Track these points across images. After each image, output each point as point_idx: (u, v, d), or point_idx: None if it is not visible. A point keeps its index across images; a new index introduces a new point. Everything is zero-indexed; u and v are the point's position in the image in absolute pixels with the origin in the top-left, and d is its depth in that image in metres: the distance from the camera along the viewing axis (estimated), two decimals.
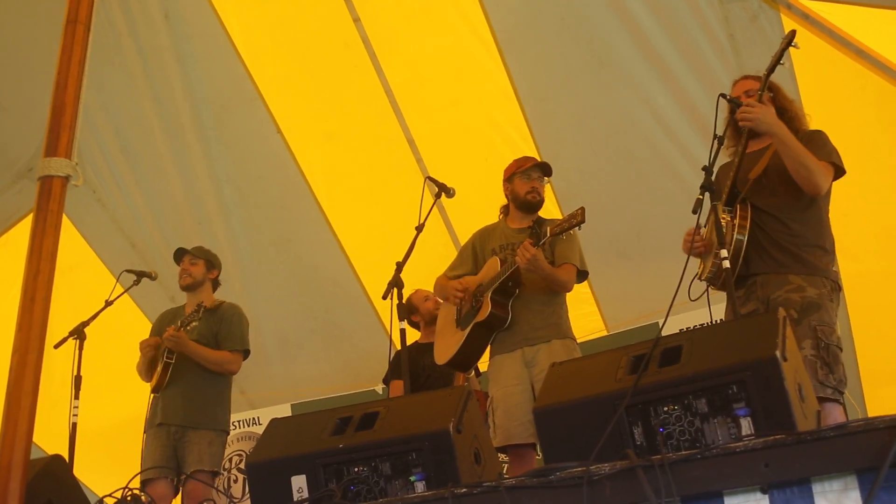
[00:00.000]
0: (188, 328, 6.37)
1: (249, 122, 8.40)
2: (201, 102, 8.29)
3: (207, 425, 6.41)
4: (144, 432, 6.50)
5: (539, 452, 6.58)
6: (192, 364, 6.43)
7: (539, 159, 6.05)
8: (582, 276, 5.80)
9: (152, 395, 6.57)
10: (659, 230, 7.83)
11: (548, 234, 5.41)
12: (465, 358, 5.72)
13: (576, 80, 7.76)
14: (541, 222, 5.75)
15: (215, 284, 6.87)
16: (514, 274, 5.55)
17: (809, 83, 6.49)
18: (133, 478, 6.04)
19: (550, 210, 8.06)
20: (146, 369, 6.57)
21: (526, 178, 5.87)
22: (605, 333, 8.78)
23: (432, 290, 6.34)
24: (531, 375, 5.48)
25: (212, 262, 6.86)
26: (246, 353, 6.66)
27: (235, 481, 9.82)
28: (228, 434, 6.65)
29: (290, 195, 8.76)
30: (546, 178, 5.95)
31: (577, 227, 5.33)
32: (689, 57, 7.23)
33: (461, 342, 5.65)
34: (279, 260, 9.19)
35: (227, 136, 8.52)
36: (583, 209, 5.36)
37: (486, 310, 5.55)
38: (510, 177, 5.92)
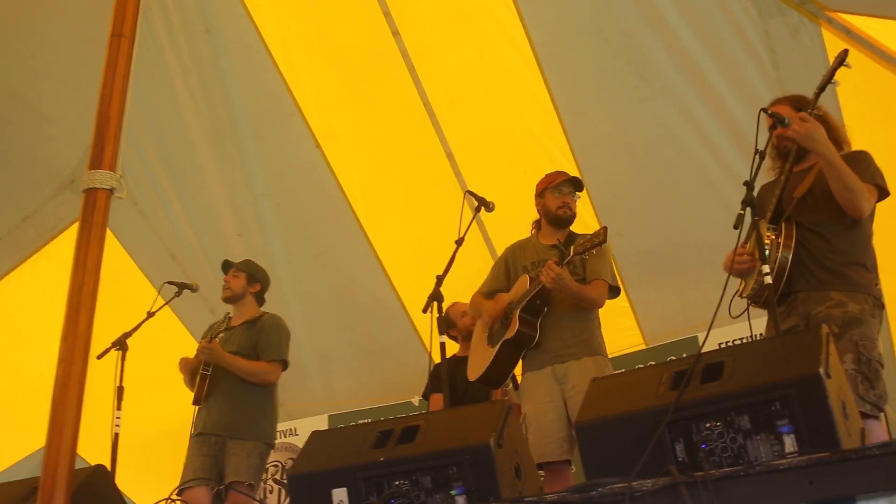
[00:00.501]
0: (217, 338, 6.42)
1: (288, 136, 8.45)
2: (241, 116, 8.35)
3: (247, 436, 6.42)
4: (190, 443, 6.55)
5: (574, 467, 6.59)
6: (229, 375, 6.46)
7: (571, 174, 6.04)
8: (614, 291, 5.78)
9: (195, 408, 6.61)
10: (697, 244, 7.80)
11: (571, 254, 5.41)
12: (496, 375, 5.72)
13: (615, 94, 7.75)
14: (573, 238, 5.73)
15: (259, 298, 6.89)
16: (542, 293, 5.55)
17: (850, 98, 6.44)
18: (175, 490, 6.13)
19: (588, 222, 8.08)
20: (190, 382, 6.61)
21: (557, 192, 5.87)
22: (643, 347, 8.74)
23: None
24: (563, 392, 5.48)
25: (254, 276, 6.89)
26: (285, 364, 6.66)
27: (271, 492, 9.85)
28: (273, 447, 6.65)
29: (329, 209, 8.80)
30: (578, 192, 5.94)
31: (600, 246, 5.34)
32: (729, 71, 7.20)
33: (491, 359, 5.67)
34: (317, 273, 9.22)
35: (266, 149, 8.57)
36: (605, 228, 5.40)
37: (514, 328, 5.56)
38: (542, 192, 5.92)
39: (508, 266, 5.98)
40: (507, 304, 5.74)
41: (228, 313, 6.78)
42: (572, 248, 5.45)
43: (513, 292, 5.80)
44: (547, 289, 5.52)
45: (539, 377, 5.58)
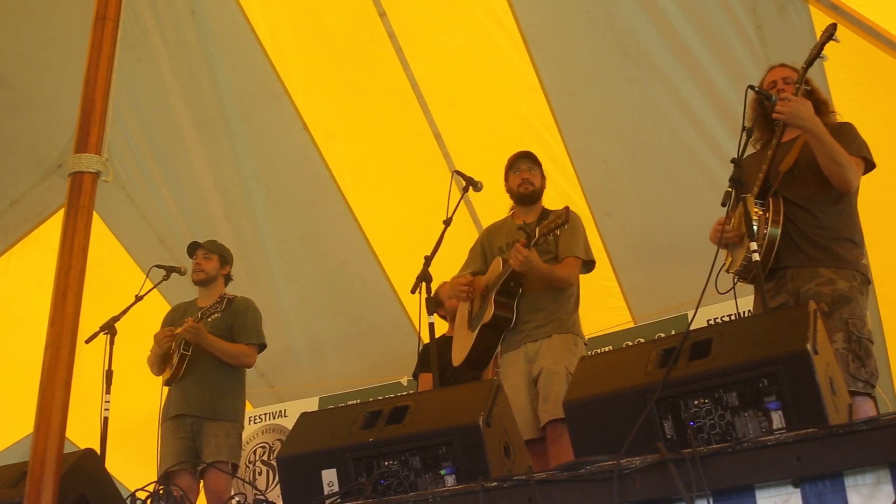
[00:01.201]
0: (209, 320, 6.41)
1: (275, 118, 8.43)
2: (228, 99, 8.32)
3: (224, 416, 6.44)
4: (160, 426, 6.52)
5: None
6: (207, 356, 6.45)
7: (526, 151, 6.05)
8: (588, 266, 5.78)
9: (166, 388, 6.60)
10: (685, 223, 7.81)
11: (537, 236, 5.42)
12: (478, 357, 5.74)
13: (602, 74, 7.73)
14: (545, 215, 5.73)
15: (227, 280, 6.87)
16: (514, 275, 5.56)
17: (838, 74, 6.44)
18: (160, 476, 6.12)
19: (577, 203, 8.09)
20: (158, 361, 6.58)
21: (516, 171, 5.91)
22: (632, 325, 8.75)
23: None
24: (533, 371, 5.51)
25: (225, 258, 6.87)
26: (261, 347, 6.68)
27: (260, 474, 9.86)
28: (244, 428, 6.66)
29: (317, 191, 8.78)
30: (535, 166, 5.94)
31: (563, 227, 5.32)
32: (717, 49, 7.19)
33: (471, 343, 5.70)
34: (306, 256, 9.22)
35: (254, 132, 8.55)
36: (567, 208, 5.40)
37: (491, 311, 5.59)
38: (505, 176, 5.96)
39: (484, 248, 6.01)
40: (483, 287, 5.75)
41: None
42: (537, 229, 5.46)
43: (488, 275, 5.82)
44: (518, 274, 5.54)
45: (514, 357, 5.62)
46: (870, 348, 4.39)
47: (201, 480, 6.38)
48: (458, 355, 5.85)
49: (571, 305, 5.75)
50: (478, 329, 5.66)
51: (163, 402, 6.59)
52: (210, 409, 6.40)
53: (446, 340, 6.84)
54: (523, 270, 5.43)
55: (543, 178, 6.00)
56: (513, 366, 5.61)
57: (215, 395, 6.45)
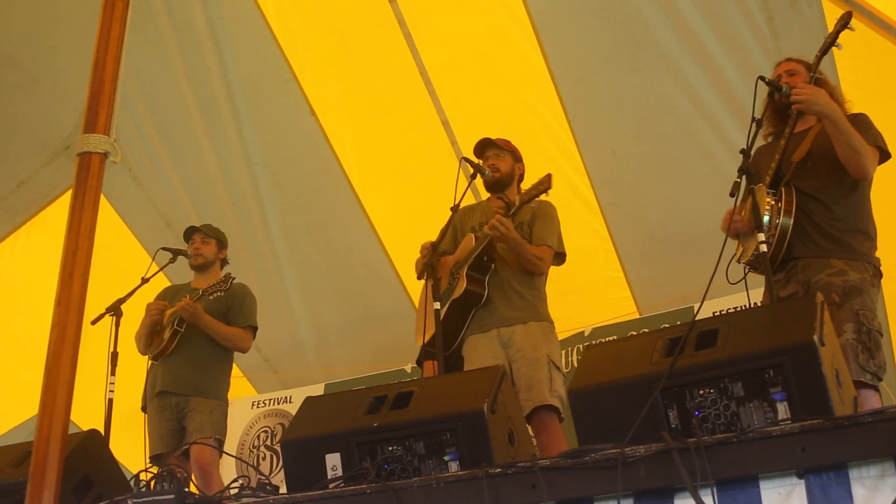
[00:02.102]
0: (210, 298, 6.43)
1: (283, 103, 8.42)
2: (236, 83, 8.32)
3: (211, 394, 6.48)
4: (145, 402, 6.54)
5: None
6: (199, 335, 6.48)
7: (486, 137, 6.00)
8: (559, 258, 5.73)
9: (151, 364, 6.61)
10: (693, 213, 7.79)
11: (517, 204, 5.40)
12: (445, 335, 5.45)
13: (611, 62, 7.71)
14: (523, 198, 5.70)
15: (223, 263, 6.90)
16: (488, 248, 5.53)
17: (849, 67, 6.43)
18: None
19: (583, 192, 8.09)
20: (146, 334, 6.59)
21: (483, 160, 5.86)
22: (637, 316, 8.74)
23: None
24: (508, 356, 5.44)
25: (222, 242, 6.91)
26: (255, 332, 6.70)
27: (264, 458, 9.88)
28: (227, 405, 6.66)
29: (324, 178, 8.78)
30: (500, 150, 5.89)
31: (545, 192, 5.31)
32: (727, 39, 7.16)
33: (440, 319, 5.48)
34: (312, 242, 9.22)
35: (261, 117, 8.54)
36: (549, 175, 5.37)
37: (462, 285, 5.51)
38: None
39: (456, 229, 5.93)
40: (453, 264, 5.70)
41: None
42: (517, 199, 5.44)
43: (458, 253, 5.75)
44: (492, 245, 5.51)
45: (484, 339, 5.53)
46: (879, 340, 4.39)
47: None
48: (421, 334, 5.73)
49: (544, 295, 5.70)
50: (448, 304, 5.55)
51: (147, 378, 6.62)
52: (196, 386, 6.43)
53: None
54: (497, 236, 5.35)
55: (517, 162, 5.93)
56: (482, 349, 5.51)
57: (203, 374, 6.48)
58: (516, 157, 5.95)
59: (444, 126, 8.38)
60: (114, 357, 6.28)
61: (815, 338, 3.01)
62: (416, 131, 8.50)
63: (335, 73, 8.36)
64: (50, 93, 7.74)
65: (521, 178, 5.91)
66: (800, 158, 4.66)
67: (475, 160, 5.83)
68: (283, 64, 8.18)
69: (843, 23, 4.63)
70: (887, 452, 2.63)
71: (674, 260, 8.24)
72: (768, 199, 4.57)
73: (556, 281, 5.89)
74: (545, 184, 5.33)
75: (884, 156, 4.62)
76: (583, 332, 8.64)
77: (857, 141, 4.45)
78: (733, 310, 6.65)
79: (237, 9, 7.93)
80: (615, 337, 8.16)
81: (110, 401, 6.15)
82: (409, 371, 9.31)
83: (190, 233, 6.86)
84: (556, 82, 7.86)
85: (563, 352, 8.21)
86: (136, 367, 6.68)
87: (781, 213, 4.55)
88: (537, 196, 5.36)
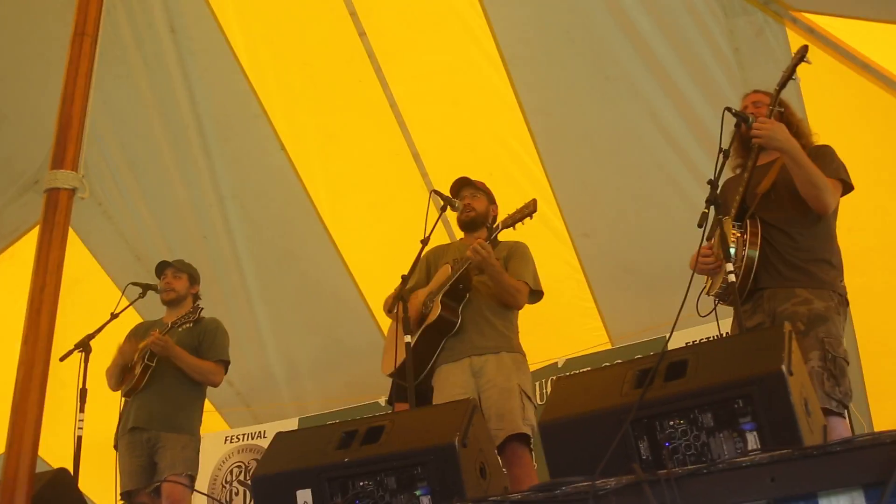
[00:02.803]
0: (179, 330, 6.40)
1: (253, 137, 8.41)
2: (206, 117, 8.30)
3: (182, 429, 6.42)
4: (117, 439, 6.48)
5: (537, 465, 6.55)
6: (170, 369, 6.44)
7: (463, 177, 6.06)
8: (535, 296, 5.75)
9: (124, 400, 6.56)
10: (663, 244, 7.82)
11: (501, 227, 5.42)
12: (415, 363, 5.43)
13: (581, 94, 7.75)
14: (496, 241, 5.71)
15: (195, 299, 6.85)
16: (465, 276, 5.55)
17: (815, 98, 6.49)
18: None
19: (553, 223, 8.11)
20: (118, 372, 6.54)
21: (459, 199, 5.91)
22: (610, 347, 8.76)
23: None
24: (478, 385, 5.44)
25: (193, 277, 6.89)
26: (226, 366, 6.67)
27: (237, 494, 9.81)
28: (199, 441, 6.61)
29: (294, 211, 8.76)
30: (475, 190, 5.95)
31: (530, 216, 5.37)
32: (695, 71, 7.22)
33: (410, 347, 5.46)
34: (283, 275, 9.19)
35: (231, 151, 8.53)
36: (534, 200, 5.43)
37: (437, 312, 5.52)
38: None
39: (430, 266, 5.96)
40: (426, 296, 5.71)
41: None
42: (500, 222, 5.49)
43: (433, 284, 5.77)
44: (469, 274, 5.53)
45: (455, 369, 5.52)
46: (845, 368, 4.41)
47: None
48: (389, 364, 5.67)
49: (516, 327, 5.72)
50: (420, 330, 5.55)
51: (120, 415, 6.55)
52: (167, 421, 6.37)
53: None
54: (478, 260, 5.36)
55: (491, 204, 5.99)
56: (452, 377, 5.51)
57: (175, 409, 6.43)
58: (490, 198, 6.00)
59: (415, 159, 8.40)
60: (83, 394, 6.23)
61: (784, 367, 3.03)
62: (387, 164, 8.51)
63: (305, 107, 8.37)
64: (19, 127, 7.69)
65: (494, 219, 5.92)
66: (764, 190, 4.70)
67: (446, 193, 5.85)
68: (252, 98, 8.17)
69: (800, 56, 4.69)
70: (856, 481, 2.63)
71: (645, 290, 8.27)
72: (734, 231, 4.61)
73: (528, 311, 5.89)
74: (530, 207, 5.38)
75: (846, 187, 4.66)
76: (556, 363, 8.65)
77: (815, 176, 4.48)
78: (705, 339, 6.69)
79: (207, 44, 7.93)
80: (588, 368, 8.17)
81: (79, 438, 6.09)
82: (383, 404, 9.26)
83: (162, 268, 6.84)
84: (526, 114, 7.89)
85: (537, 383, 8.24)
86: (106, 404, 6.63)
87: (747, 245, 4.58)
88: (521, 219, 5.41)
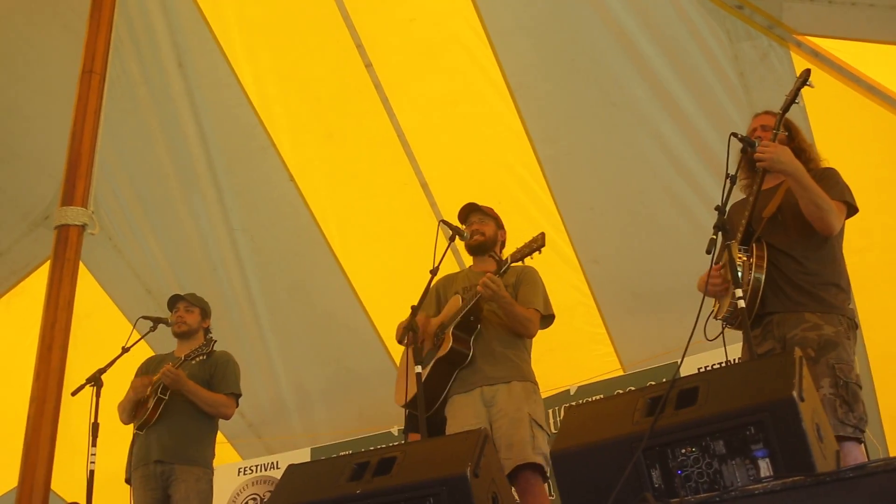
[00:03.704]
0: (192, 362, 6.41)
1: (262, 169, 8.45)
2: (214, 150, 8.35)
3: (196, 462, 6.42)
4: (129, 473, 6.48)
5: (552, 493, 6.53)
6: (182, 402, 6.43)
7: (470, 202, 6.06)
8: (546, 321, 5.74)
9: (135, 434, 6.55)
10: (672, 269, 7.81)
11: (510, 261, 5.43)
12: (428, 395, 5.41)
13: (587, 121, 7.77)
14: (503, 265, 5.67)
15: (206, 333, 6.84)
16: (475, 308, 5.54)
17: (821, 120, 6.50)
18: None
19: (563, 250, 8.12)
20: (131, 407, 6.53)
21: (468, 225, 5.92)
22: (621, 373, 8.74)
23: None
24: (489, 415, 5.43)
25: (205, 311, 6.88)
26: (237, 399, 6.68)
27: None
28: (213, 473, 6.61)
29: (304, 242, 8.79)
30: (484, 216, 5.96)
31: (538, 250, 5.37)
32: (700, 96, 7.24)
33: (422, 379, 5.40)
34: (294, 307, 9.21)
35: (240, 183, 8.57)
36: (543, 234, 5.43)
37: (448, 344, 5.52)
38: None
39: (440, 295, 5.96)
40: (437, 326, 5.71)
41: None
42: (509, 256, 5.49)
43: (443, 314, 5.77)
44: (479, 306, 5.53)
45: (467, 399, 5.52)
46: (858, 393, 4.37)
47: None
48: (401, 394, 5.70)
49: (528, 356, 5.72)
50: (433, 363, 5.55)
51: (131, 449, 6.55)
52: (181, 454, 6.36)
53: None
54: (488, 295, 5.37)
55: (500, 229, 5.99)
56: (466, 408, 5.50)
57: (188, 442, 6.43)
58: (499, 223, 6.01)
59: (423, 188, 8.42)
60: (94, 428, 6.21)
61: (795, 393, 3.02)
62: (395, 194, 8.54)
63: (313, 138, 8.41)
64: (28, 163, 7.75)
65: (503, 245, 5.94)
66: (770, 214, 4.69)
67: (454, 223, 5.86)
68: (260, 130, 8.22)
69: (803, 80, 4.69)
70: None
71: (655, 315, 8.26)
72: (740, 255, 4.60)
73: (539, 338, 5.88)
74: (538, 241, 5.39)
75: (851, 210, 4.65)
76: (568, 390, 8.63)
77: (820, 198, 4.48)
78: (718, 365, 6.68)
79: (214, 77, 7.98)
80: (601, 395, 8.15)
81: (91, 472, 6.07)
82: (395, 434, 9.26)
83: (174, 301, 6.85)
84: (533, 142, 7.92)
85: (550, 411, 8.22)
86: (119, 438, 6.64)
87: (753, 269, 4.57)
88: (530, 254, 5.42)
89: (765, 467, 3.01)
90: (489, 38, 7.54)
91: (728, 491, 2.83)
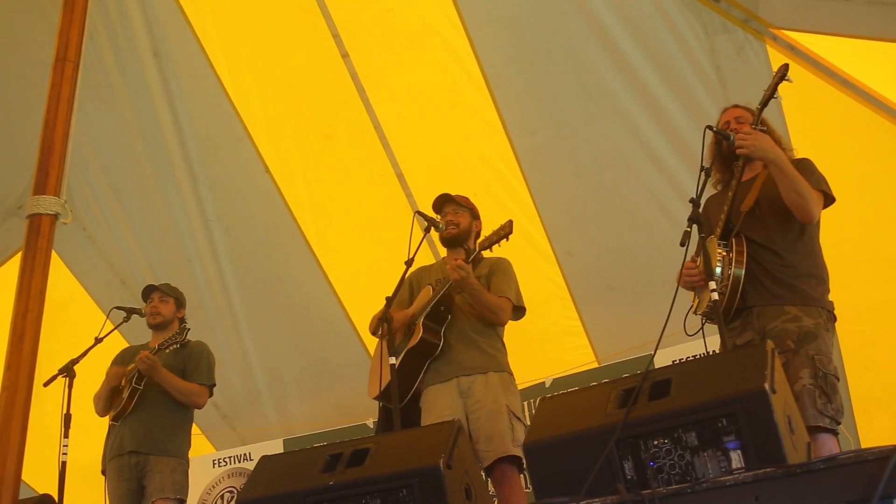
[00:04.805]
0: (166, 351, 6.38)
1: (237, 160, 8.42)
2: (190, 141, 8.30)
3: (171, 452, 6.40)
4: (105, 464, 6.46)
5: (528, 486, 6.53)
6: (157, 393, 6.42)
7: (444, 193, 6.04)
8: (518, 311, 5.73)
9: (111, 425, 6.53)
10: (648, 262, 7.84)
11: (477, 249, 5.44)
12: (399, 387, 5.33)
13: (564, 113, 7.78)
14: (479, 258, 5.73)
15: (181, 322, 6.81)
16: (445, 298, 5.55)
17: (796, 114, 6.52)
18: None
19: (538, 242, 8.13)
20: (106, 397, 6.52)
21: (442, 216, 5.90)
22: (596, 366, 8.76)
23: None
24: (465, 406, 5.43)
25: (180, 301, 6.86)
26: (212, 390, 6.66)
27: None
28: (188, 464, 6.59)
29: (279, 233, 8.76)
30: (458, 206, 5.95)
31: (506, 237, 5.38)
32: (677, 89, 7.25)
33: (394, 370, 5.51)
34: (269, 298, 9.18)
35: (215, 174, 8.53)
36: (510, 221, 5.45)
37: (418, 335, 5.52)
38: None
39: (413, 287, 5.95)
40: (409, 317, 5.70)
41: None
42: (477, 244, 5.51)
43: (415, 305, 5.76)
44: (450, 296, 5.53)
45: (443, 390, 5.51)
46: (836, 384, 4.40)
47: None
48: (375, 388, 5.69)
49: (503, 345, 5.72)
50: (403, 354, 5.52)
51: (107, 440, 6.53)
52: (156, 445, 6.35)
53: None
54: (458, 282, 5.37)
55: (475, 219, 5.98)
56: (441, 398, 5.49)
57: (163, 433, 6.41)
58: (474, 214, 5.98)
59: (399, 179, 8.41)
60: (67, 419, 6.17)
61: (767, 385, 3.03)
62: (371, 185, 8.51)
63: (289, 129, 8.38)
64: (1, 152, 7.68)
65: (478, 235, 5.92)
66: (748, 208, 4.71)
67: (430, 214, 5.85)
68: (236, 121, 8.18)
69: (781, 74, 4.71)
70: (840, 499, 2.64)
71: (631, 308, 8.28)
72: (720, 251, 4.61)
73: (515, 331, 5.89)
74: (506, 229, 5.39)
75: (828, 199, 4.68)
76: (543, 382, 8.64)
77: (801, 185, 4.50)
78: (692, 357, 6.70)
79: (190, 67, 7.93)
80: (576, 388, 8.16)
81: (63, 464, 6.04)
82: (370, 426, 9.25)
83: (148, 291, 6.82)
84: (509, 134, 7.91)
85: (525, 403, 8.21)
86: (93, 428, 6.60)
87: (733, 264, 4.58)
88: (498, 241, 5.42)
89: (736, 459, 3.02)
90: (466, 29, 7.52)
91: (700, 482, 2.84)
